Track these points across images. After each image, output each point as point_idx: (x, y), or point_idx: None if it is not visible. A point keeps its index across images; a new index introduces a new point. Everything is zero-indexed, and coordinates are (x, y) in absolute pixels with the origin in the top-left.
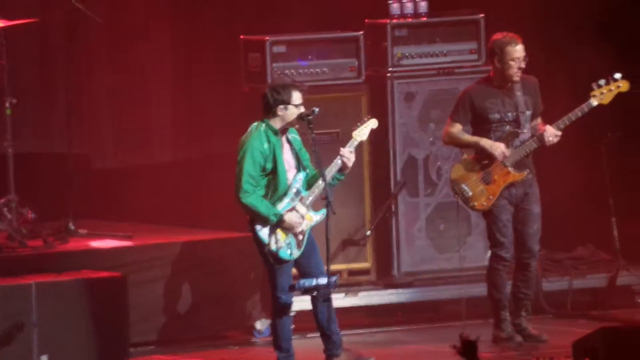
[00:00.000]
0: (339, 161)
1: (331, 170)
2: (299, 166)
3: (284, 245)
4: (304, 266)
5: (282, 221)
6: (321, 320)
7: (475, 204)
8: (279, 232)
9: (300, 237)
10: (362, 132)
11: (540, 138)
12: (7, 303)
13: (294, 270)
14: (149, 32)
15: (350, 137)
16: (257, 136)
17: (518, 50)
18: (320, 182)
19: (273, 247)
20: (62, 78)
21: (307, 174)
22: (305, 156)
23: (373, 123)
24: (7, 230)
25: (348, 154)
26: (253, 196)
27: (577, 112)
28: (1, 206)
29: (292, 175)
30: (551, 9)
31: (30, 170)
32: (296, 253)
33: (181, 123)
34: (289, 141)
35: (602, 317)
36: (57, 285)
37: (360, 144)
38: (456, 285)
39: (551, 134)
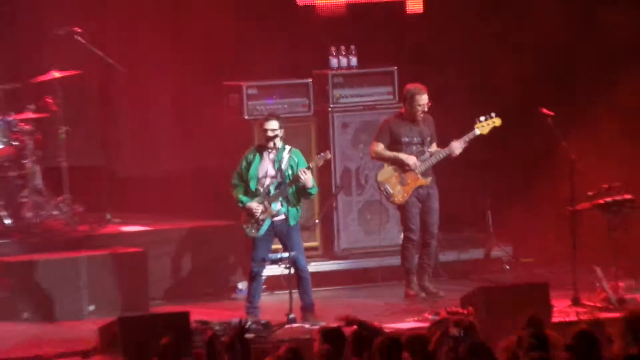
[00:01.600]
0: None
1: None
2: (277, 176)
3: (249, 226)
4: (285, 247)
5: (245, 208)
6: (299, 293)
7: (395, 199)
8: (248, 217)
9: (261, 222)
10: (316, 160)
11: (450, 149)
12: (65, 270)
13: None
14: (157, 78)
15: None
16: (248, 150)
17: (423, 99)
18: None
19: (244, 226)
20: (97, 113)
21: (281, 181)
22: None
23: (327, 155)
24: (65, 218)
25: (300, 172)
26: (236, 188)
27: (465, 138)
28: (60, 202)
29: (268, 181)
30: (448, 63)
31: (79, 177)
32: (253, 233)
33: (181, 144)
34: (273, 158)
35: (481, 280)
36: (99, 257)
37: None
38: (379, 258)
39: (457, 146)
